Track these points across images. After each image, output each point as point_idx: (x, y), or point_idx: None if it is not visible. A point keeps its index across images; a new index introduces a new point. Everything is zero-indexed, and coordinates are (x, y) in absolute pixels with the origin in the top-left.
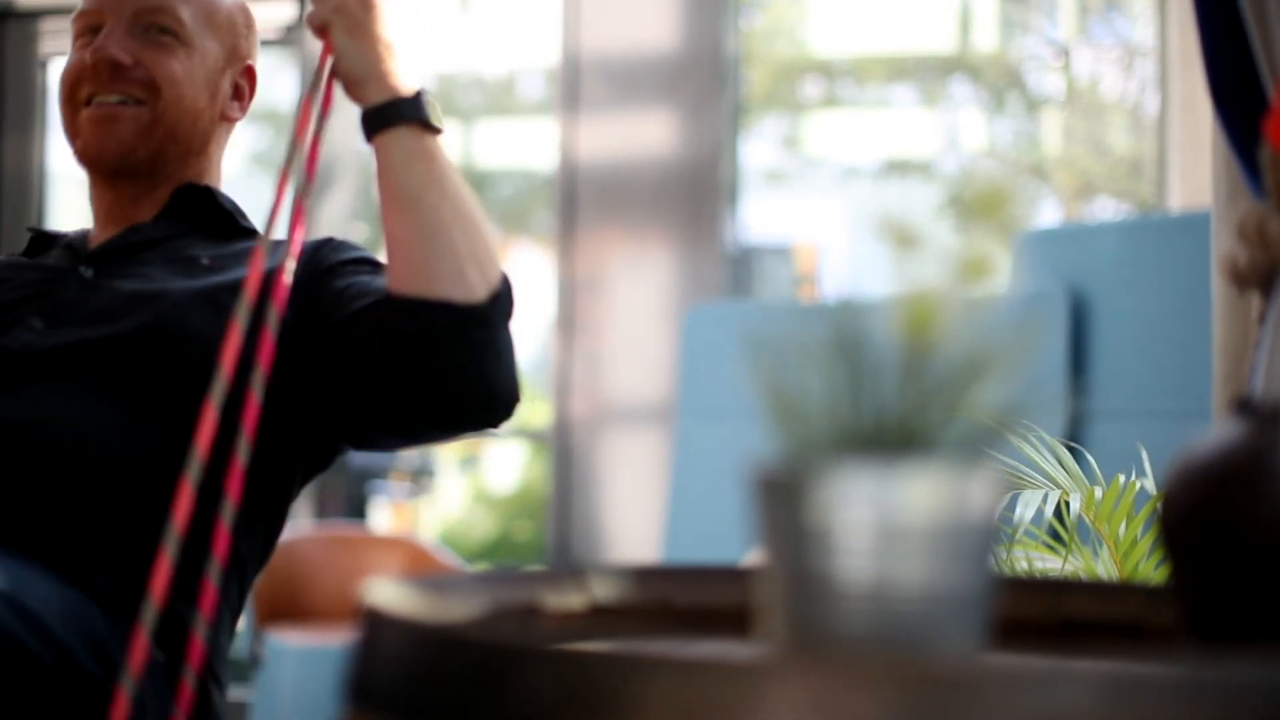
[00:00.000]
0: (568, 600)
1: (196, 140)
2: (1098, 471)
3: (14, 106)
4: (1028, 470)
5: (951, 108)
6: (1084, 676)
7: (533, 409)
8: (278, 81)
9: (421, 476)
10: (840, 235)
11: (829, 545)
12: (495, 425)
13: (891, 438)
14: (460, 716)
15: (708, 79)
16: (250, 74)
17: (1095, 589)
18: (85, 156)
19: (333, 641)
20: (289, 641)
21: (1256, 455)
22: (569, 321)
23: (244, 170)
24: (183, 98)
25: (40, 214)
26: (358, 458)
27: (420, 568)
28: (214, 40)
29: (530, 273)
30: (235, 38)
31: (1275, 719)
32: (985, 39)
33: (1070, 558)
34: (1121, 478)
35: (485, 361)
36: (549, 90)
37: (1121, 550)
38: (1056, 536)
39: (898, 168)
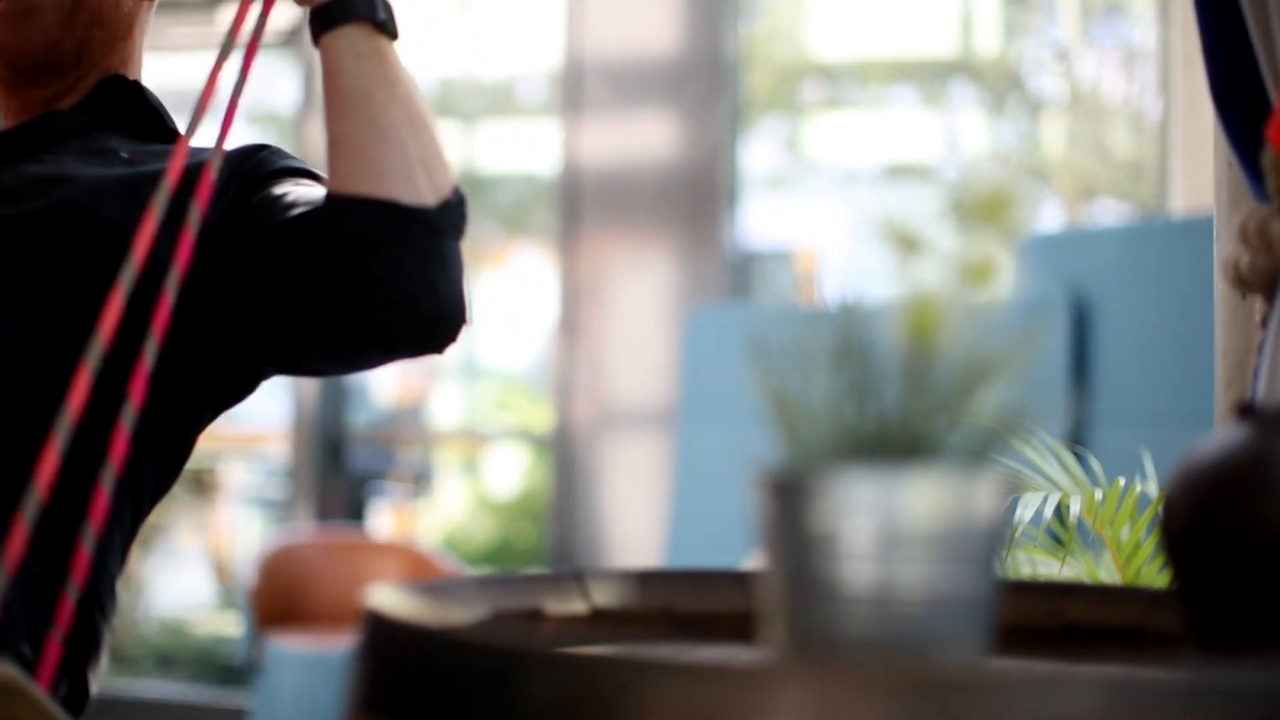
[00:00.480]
0: (570, 605)
1: (122, 24)
2: (1100, 475)
3: None
4: (1030, 474)
5: (952, 110)
6: (1087, 681)
7: (534, 412)
8: (278, 84)
9: (422, 479)
10: (842, 239)
11: (832, 549)
12: (438, 347)
13: (894, 442)
14: None
15: (709, 82)
16: None
17: (1098, 593)
18: (5, 54)
19: (333, 647)
20: (289, 647)
21: (1259, 459)
22: (570, 325)
23: None
24: None
25: None
26: (357, 460)
27: (420, 574)
28: None
29: (532, 276)
30: None
31: None
32: (986, 42)
33: (1072, 562)
34: (1123, 481)
35: (430, 269)
36: (550, 93)
37: (1124, 554)
38: (1058, 540)
39: (899, 171)
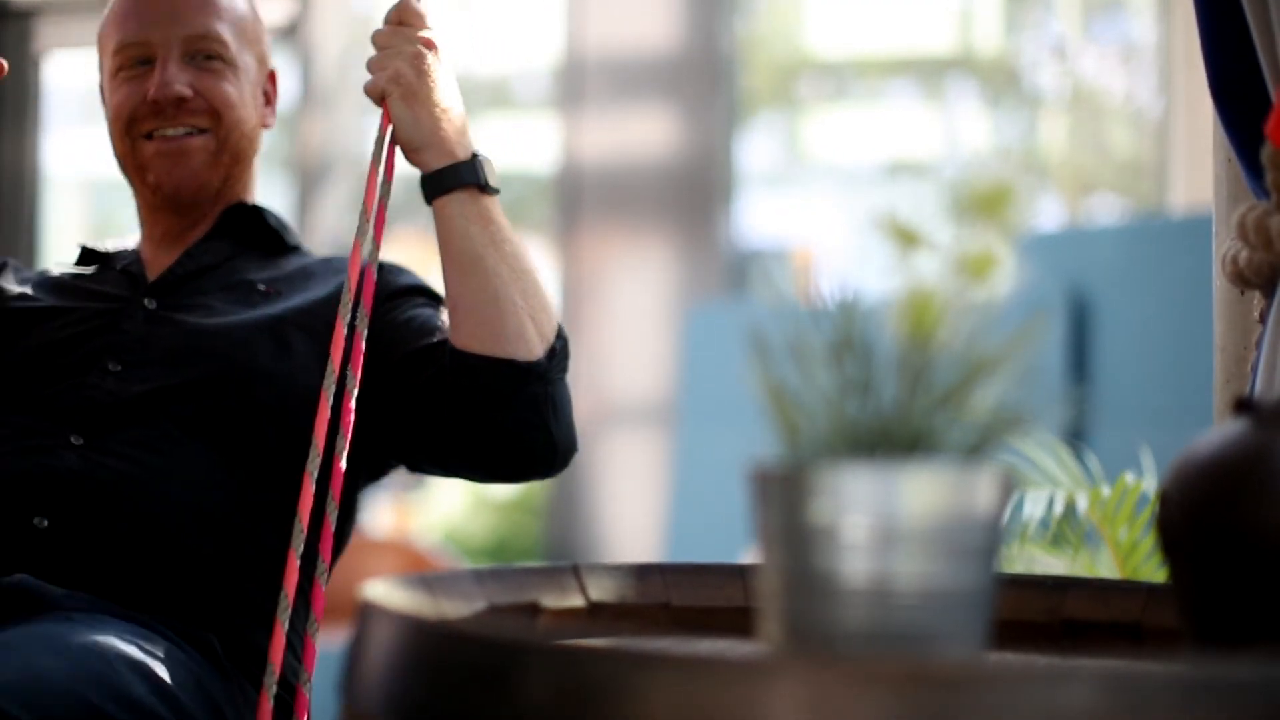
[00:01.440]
0: (567, 599)
1: (251, 156)
2: (1098, 472)
3: (9, 105)
4: (1029, 471)
5: (952, 107)
6: (1084, 676)
7: None
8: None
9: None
10: (840, 236)
11: (830, 544)
12: (552, 475)
13: (892, 438)
14: (460, 714)
15: (708, 78)
16: (273, 78)
17: (1096, 589)
18: (160, 191)
19: (331, 641)
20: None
21: (1257, 456)
22: (569, 321)
23: None
24: (241, 120)
25: (34, 213)
26: None
27: (418, 570)
28: (250, 54)
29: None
30: (262, 46)
31: (1275, 719)
32: (986, 38)
33: (1071, 559)
34: (1129, 477)
35: (545, 416)
36: (549, 89)
37: (1123, 552)
38: (1058, 538)
39: (898, 168)
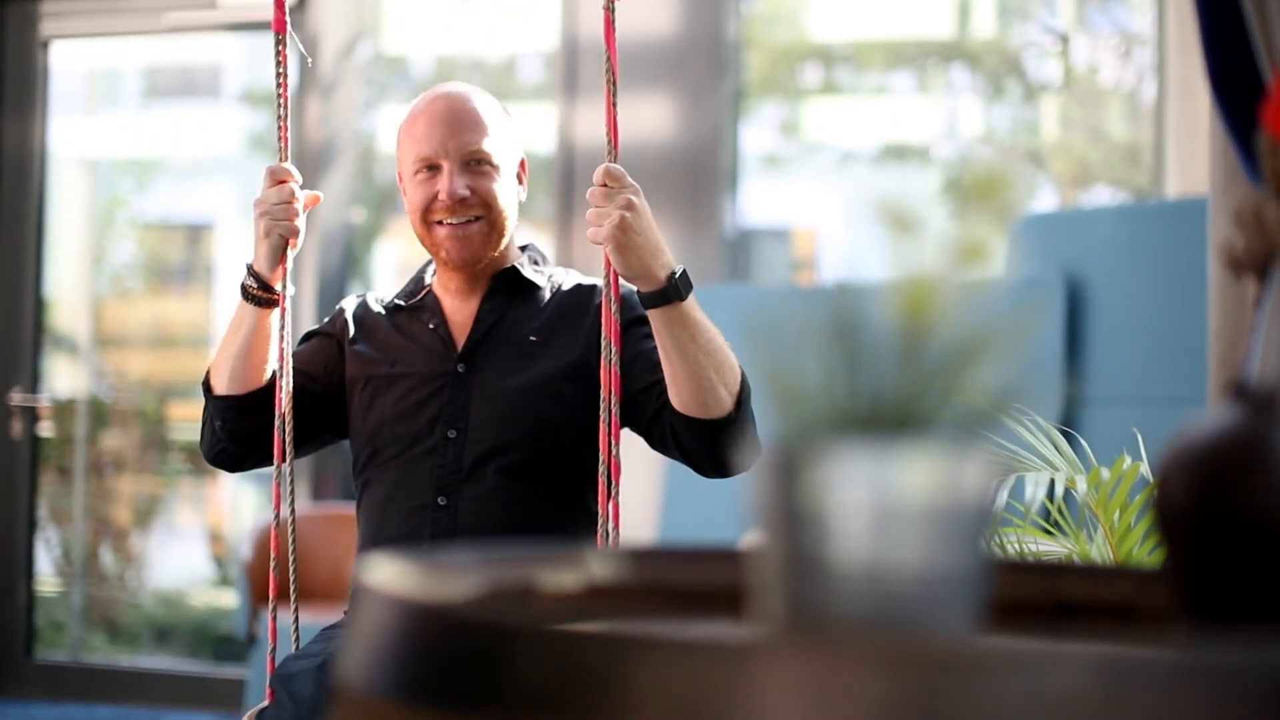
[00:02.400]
0: (564, 580)
1: (511, 229)
2: (1092, 456)
3: (14, 89)
4: (1023, 454)
5: (950, 94)
6: (1078, 660)
7: None
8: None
9: None
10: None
11: (825, 526)
12: (738, 473)
13: (888, 420)
14: (456, 696)
15: (707, 64)
16: (524, 163)
17: (1089, 572)
18: (451, 263)
19: (328, 620)
20: (283, 619)
21: (1252, 440)
22: None
23: (241, 152)
24: (504, 207)
25: (40, 194)
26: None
27: None
28: (509, 154)
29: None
30: (517, 146)
31: (1267, 702)
32: (984, 26)
33: (1065, 542)
34: (1127, 459)
35: (738, 447)
36: (548, 74)
37: (1117, 535)
38: (1052, 521)
39: (896, 153)
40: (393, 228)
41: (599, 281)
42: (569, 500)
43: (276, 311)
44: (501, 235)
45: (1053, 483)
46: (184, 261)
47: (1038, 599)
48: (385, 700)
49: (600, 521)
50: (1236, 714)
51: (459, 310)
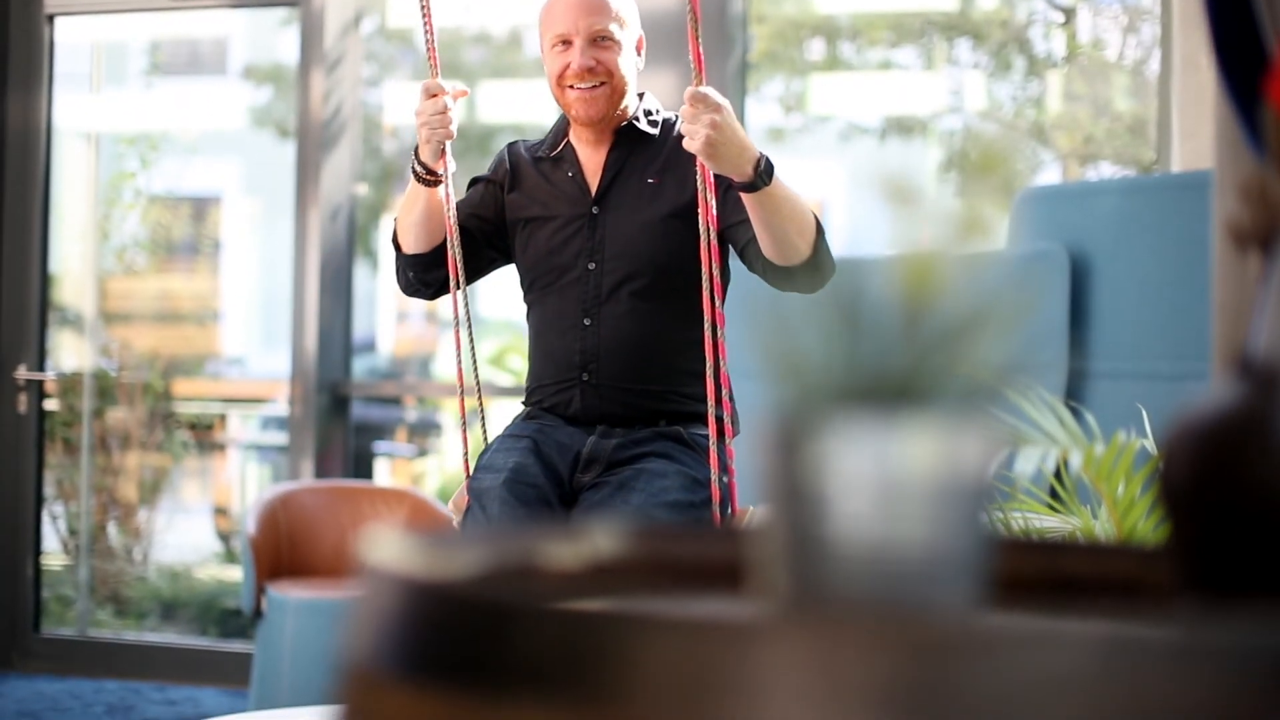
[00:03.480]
0: (567, 557)
1: (628, 91)
2: (1096, 430)
3: (19, 63)
4: (1027, 428)
5: (954, 68)
6: (1081, 638)
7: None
8: (281, 39)
9: (422, 435)
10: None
11: (828, 501)
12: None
13: (891, 394)
14: (459, 674)
15: (712, 38)
16: (641, 40)
17: (1092, 548)
18: (579, 120)
19: (333, 595)
20: (287, 594)
21: (1255, 415)
22: None
23: (245, 127)
24: (625, 77)
25: (47, 170)
26: (358, 413)
27: (422, 521)
28: (629, 33)
29: None
30: (636, 27)
31: (1271, 679)
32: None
33: (1069, 517)
34: (1123, 436)
35: (820, 275)
36: None
37: (1120, 510)
38: (1055, 495)
39: (900, 127)
40: (396, 202)
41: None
42: (687, 313)
43: (442, 186)
44: (622, 98)
45: (1056, 457)
46: (189, 236)
47: (1040, 575)
48: (389, 678)
49: (707, 325)
50: (1240, 691)
51: (591, 159)
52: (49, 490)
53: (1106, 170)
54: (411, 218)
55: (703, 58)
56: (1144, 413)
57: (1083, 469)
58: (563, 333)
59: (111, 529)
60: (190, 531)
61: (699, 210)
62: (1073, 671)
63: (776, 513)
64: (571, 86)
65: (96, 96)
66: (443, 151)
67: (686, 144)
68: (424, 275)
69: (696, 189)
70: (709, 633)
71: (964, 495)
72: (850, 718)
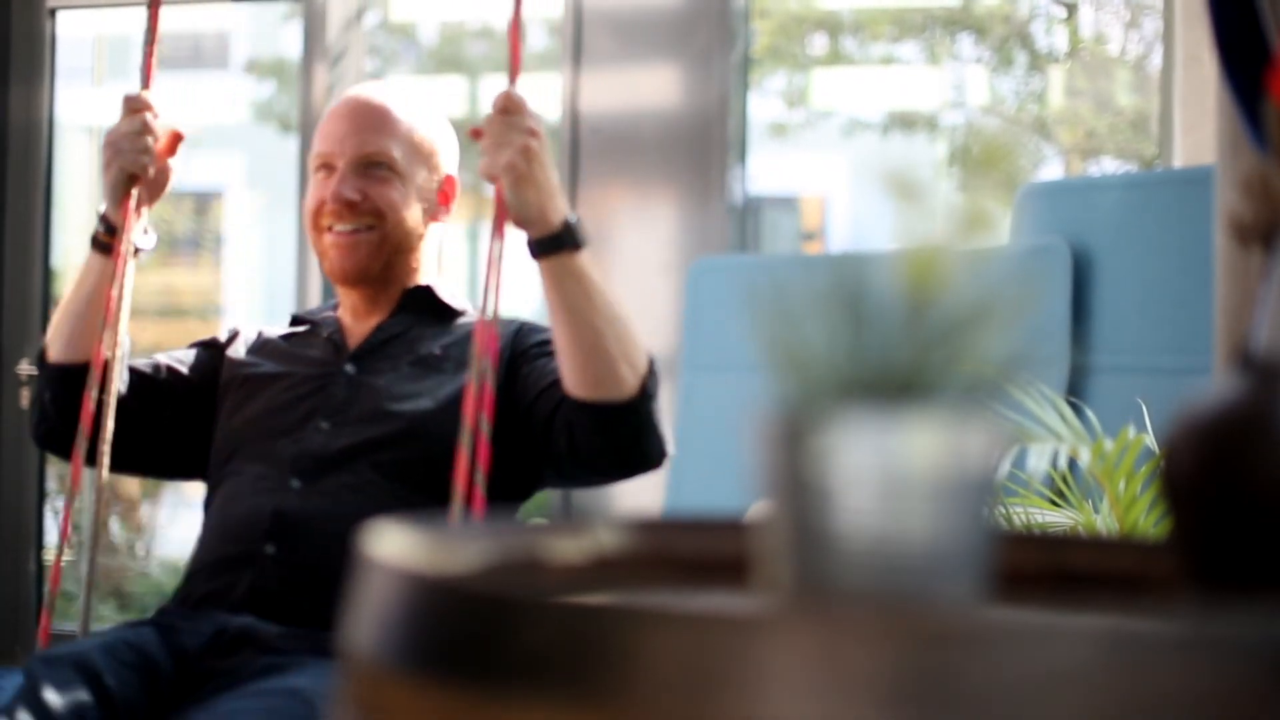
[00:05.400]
0: (570, 551)
1: (411, 246)
2: (1098, 426)
3: (21, 57)
4: (1029, 424)
5: (956, 63)
6: (1084, 631)
7: None
8: (283, 33)
9: None
10: (845, 188)
11: (831, 496)
12: (648, 471)
13: (893, 389)
14: (462, 667)
15: (715, 33)
16: (451, 182)
17: (1095, 543)
18: (333, 274)
19: None
20: None
21: (1258, 410)
22: None
23: (248, 121)
24: (403, 219)
25: (49, 164)
26: None
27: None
28: (421, 165)
29: None
30: (436, 158)
31: (1275, 673)
32: None
33: (1071, 512)
34: (1131, 430)
35: (641, 438)
36: (555, 43)
37: (1123, 505)
38: (1057, 491)
39: (902, 122)
40: None
41: (521, 320)
42: (438, 503)
43: (123, 256)
44: (398, 250)
45: (1058, 453)
46: (192, 231)
47: (1043, 570)
48: (391, 672)
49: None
50: (1244, 685)
51: (360, 327)
52: (51, 485)
53: (1108, 165)
54: (73, 306)
55: (520, 61)
56: (1145, 408)
57: (1086, 466)
58: (256, 494)
59: (114, 524)
60: (193, 526)
61: (502, 397)
62: (1076, 665)
63: (780, 507)
64: (330, 228)
65: (99, 90)
66: (126, 196)
67: (485, 165)
68: (65, 399)
69: (500, 375)
70: (712, 626)
71: (967, 489)
72: (854, 711)
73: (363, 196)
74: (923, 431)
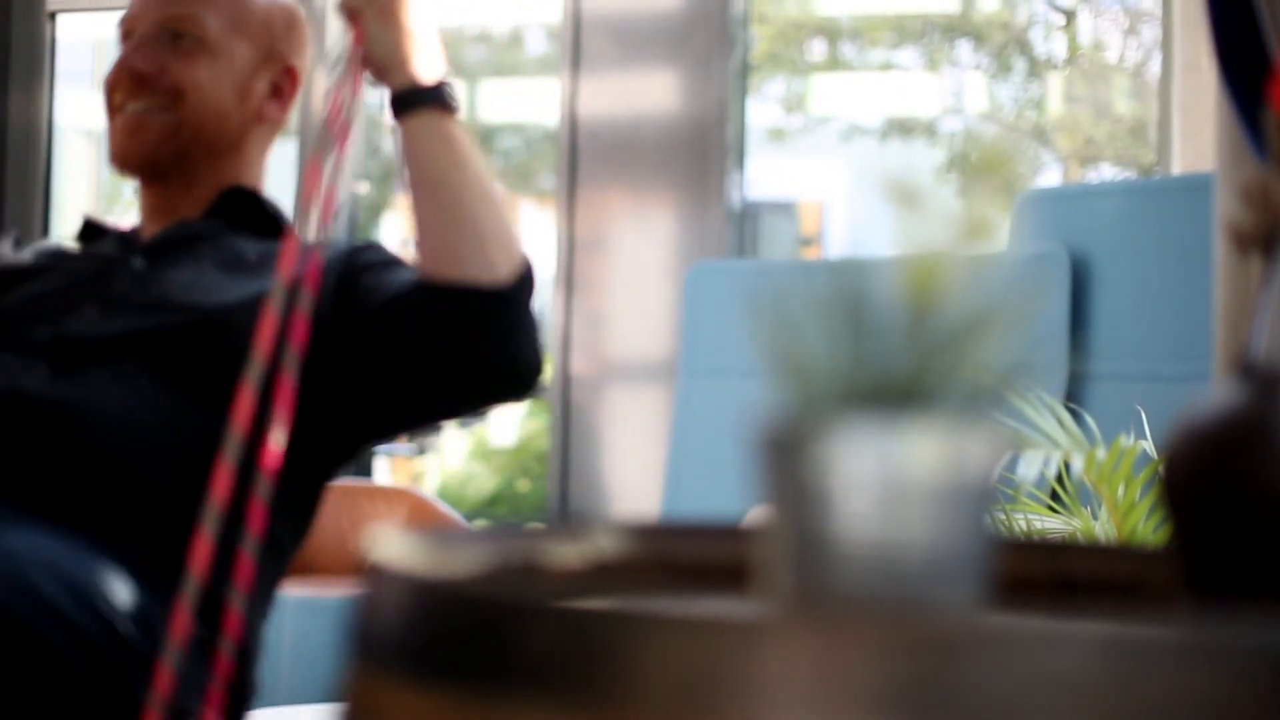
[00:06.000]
0: (569, 556)
1: (224, 141)
2: (1097, 432)
3: (21, 60)
4: (1028, 431)
5: (955, 69)
6: (1083, 638)
7: None
8: None
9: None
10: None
11: (830, 503)
12: (522, 397)
13: (893, 395)
14: (460, 672)
15: (714, 38)
16: (291, 74)
17: (1094, 549)
18: (114, 161)
19: (332, 593)
20: (288, 592)
21: (1257, 418)
22: (571, 279)
23: None
24: (207, 102)
25: (48, 168)
26: None
27: (422, 519)
28: (245, 43)
29: (534, 231)
30: (271, 40)
31: (1274, 681)
32: (989, 1)
33: (1069, 519)
34: (1124, 438)
35: (512, 339)
36: (553, 47)
37: (1121, 512)
38: (1056, 497)
39: (901, 128)
40: (398, 200)
41: (359, 240)
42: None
43: None
44: (200, 143)
45: (1050, 459)
46: None
47: (1042, 577)
48: (392, 676)
49: (230, 447)
50: (1243, 693)
51: (158, 228)
52: None
53: (1107, 172)
54: None
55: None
56: (1144, 415)
57: (1084, 472)
58: None
59: None
60: None
61: (332, 329)
62: (1075, 671)
63: (780, 513)
64: (121, 108)
65: (98, 94)
66: None
67: (342, 2)
68: None
69: (332, 302)
70: (712, 632)
71: (967, 496)
72: (853, 717)
73: (159, 69)
74: (923, 438)
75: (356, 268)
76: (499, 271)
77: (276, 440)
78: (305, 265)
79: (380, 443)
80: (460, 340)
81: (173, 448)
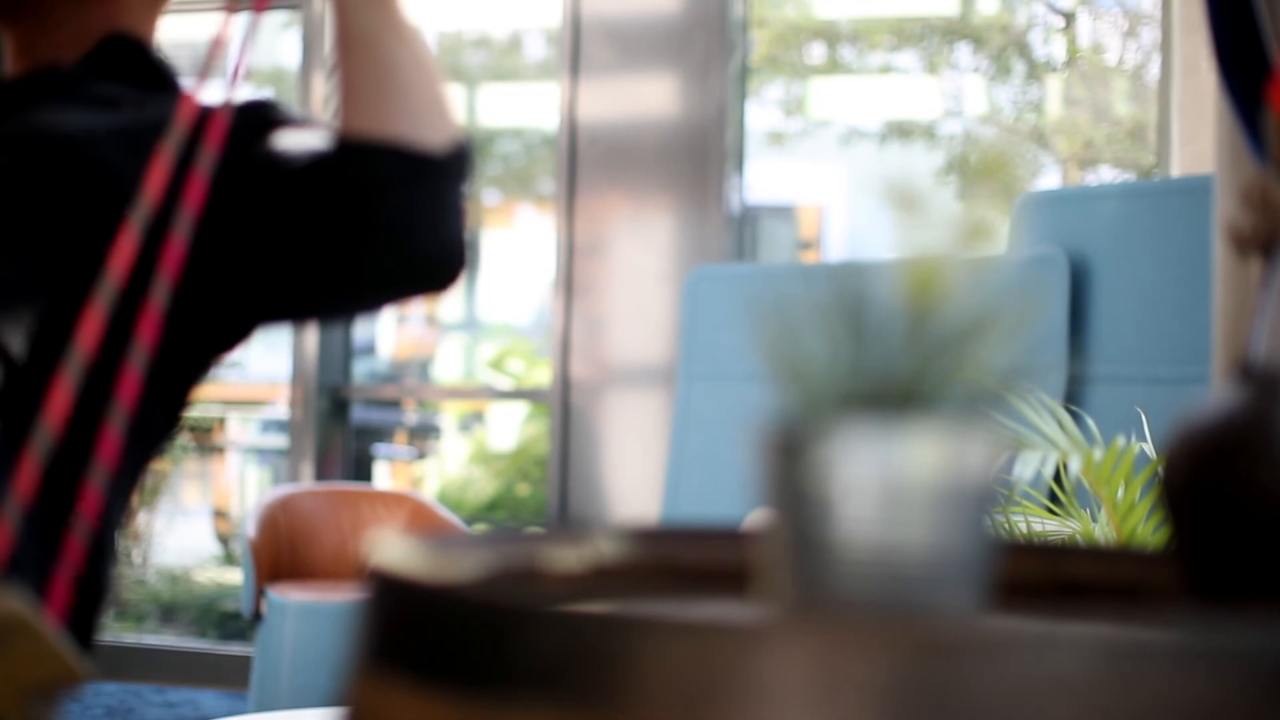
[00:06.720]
0: (569, 560)
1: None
2: (1097, 434)
3: None
4: (1028, 432)
5: (954, 73)
6: (1083, 641)
7: (534, 370)
8: (282, 42)
9: (422, 438)
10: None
11: (830, 506)
12: (438, 289)
13: (893, 399)
14: (461, 677)
15: (713, 42)
16: None
17: (1094, 552)
18: None
19: (332, 598)
20: (289, 597)
21: (1257, 420)
22: (570, 284)
23: None
24: None
25: None
26: (358, 416)
27: (422, 524)
28: None
29: (535, 234)
30: None
31: (1273, 684)
32: (988, 4)
33: (1069, 521)
34: (1121, 440)
35: (435, 213)
36: (553, 52)
37: (1120, 513)
38: (1055, 498)
39: (900, 131)
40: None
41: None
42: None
43: None
44: None
45: (1046, 460)
46: None
47: (1042, 579)
48: (393, 680)
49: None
50: (1242, 696)
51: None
52: None
53: (1106, 175)
54: None
55: None
56: (1144, 417)
57: (1082, 474)
58: None
59: None
60: (190, 534)
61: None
62: (1075, 674)
63: (780, 517)
64: None
65: None
66: None
67: None
68: None
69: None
70: (712, 635)
71: (967, 499)
72: None
73: None
74: (922, 441)
75: (261, 125)
76: (431, 136)
77: (158, 304)
78: (207, 123)
79: (273, 325)
80: (379, 206)
81: (27, 303)
